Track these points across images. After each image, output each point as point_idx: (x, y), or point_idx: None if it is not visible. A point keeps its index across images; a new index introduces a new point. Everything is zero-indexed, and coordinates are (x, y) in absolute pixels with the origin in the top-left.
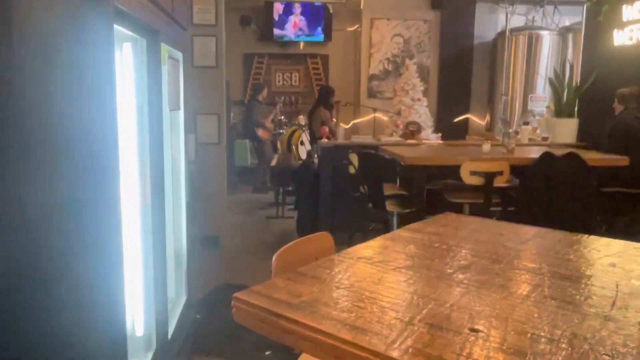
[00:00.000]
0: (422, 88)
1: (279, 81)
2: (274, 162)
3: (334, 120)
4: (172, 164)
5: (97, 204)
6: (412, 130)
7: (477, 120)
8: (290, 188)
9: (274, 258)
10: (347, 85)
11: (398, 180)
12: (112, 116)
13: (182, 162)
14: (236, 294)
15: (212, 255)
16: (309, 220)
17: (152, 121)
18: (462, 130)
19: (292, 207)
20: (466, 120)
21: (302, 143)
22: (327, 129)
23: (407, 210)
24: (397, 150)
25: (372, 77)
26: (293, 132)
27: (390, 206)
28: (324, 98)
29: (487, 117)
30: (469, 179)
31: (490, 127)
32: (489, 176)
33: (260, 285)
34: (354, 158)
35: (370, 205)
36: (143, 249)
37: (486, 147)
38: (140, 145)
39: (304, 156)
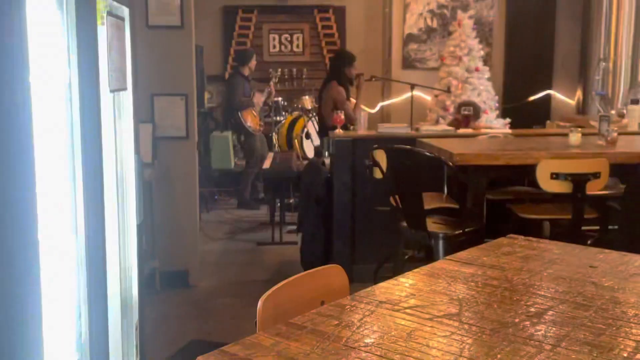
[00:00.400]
0: (482, 54)
1: (273, 46)
2: (267, 164)
3: (353, 102)
4: (117, 169)
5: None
6: (466, 115)
7: (562, 98)
8: (291, 200)
9: (259, 303)
10: (372, 51)
11: (445, 188)
12: (24, 102)
13: (130, 165)
14: (200, 358)
15: (178, 299)
16: (317, 248)
17: (84, 108)
18: (540, 113)
19: (295, 228)
20: (547, 98)
21: (307, 136)
22: (342, 115)
23: (457, 232)
24: (445, 144)
25: (408, 39)
26: (295, 120)
27: (433, 225)
28: (339, 70)
29: (578, 94)
30: (549, 185)
31: (582, 109)
32: (580, 180)
33: (236, 345)
34: (381, 157)
35: (404, 224)
36: (72, 295)
37: (575, 137)
38: (69, 144)
39: (310, 154)
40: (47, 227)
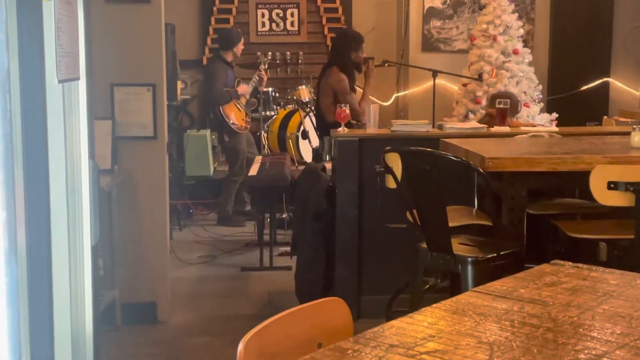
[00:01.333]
0: (521, 32)
1: (262, 24)
2: (255, 170)
3: (360, 92)
4: (68, 176)
5: None
6: (502, 109)
7: (624, 87)
8: (284, 216)
9: (240, 346)
10: (384, 30)
11: (475, 200)
12: None
13: (84, 172)
14: None
15: (143, 337)
16: (316, 274)
17: (26, 102)
18: (595, 106)
19: (288, 250)
20: (603, 88)
21: (304, 135)
22: (346, 110)
23: (490, 255)
24: (475, 146)
25: (430, 15)
26: (289, 116)
27: (460, 247)
28: (342, 53)
29: None
30: (606, 197)
31: None
32: None
33: None
34: (394, 161)
35: (423, 245)
36: (9, 331)
37: (639, 137)
38: (6, 146)
39: (307, 158)
40: None
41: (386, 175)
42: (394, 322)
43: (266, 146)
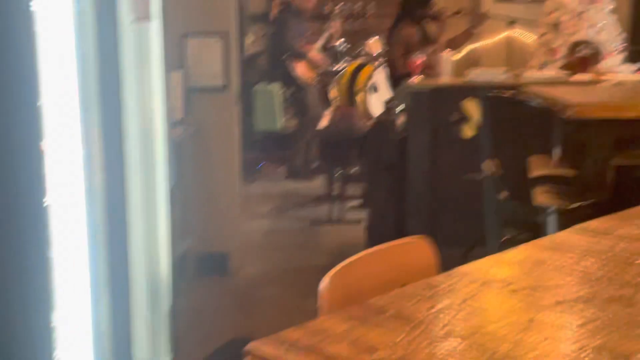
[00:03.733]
0: None
1: None
2: (324, 123)
3: (434, 45)
4: (140, 126)
5: None
6: (583, 57)
7: None
8: (355, 169)
9: (325, 280)
10: None
11: (558, 150)
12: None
13: (158, 123)
14: (251, 345)
15: (215, 288)
16: (389, 227)
17: (102, 42)
18: None
19: (359, 203)
20: None
21: (374, 88)
22: (419, 60)
23: (574, 205)
24: (557, 92)
25: None
26: (358, 68)
27: (542, 197)
28: (413, 3)
29: None
30: None
31: None
32: None
33: (298, 329)
34: (471, 109)
35: (504, 196)
36: (90, 279)
37: None
38: (80, 86)
39: (378, 111)
40: (54, 189)
41: (463, 124)
42: (485, 260)
43: (335, 99)
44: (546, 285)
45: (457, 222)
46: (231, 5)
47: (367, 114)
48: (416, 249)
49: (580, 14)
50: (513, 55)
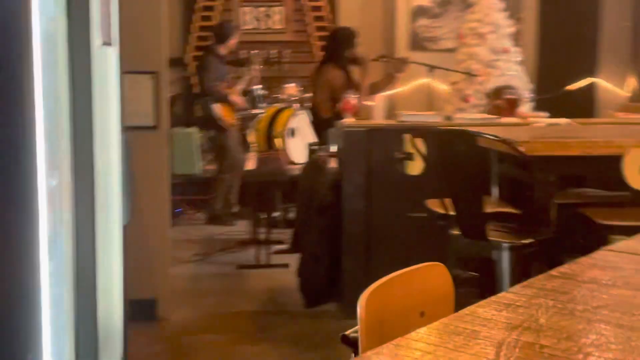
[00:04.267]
0: (510, 30)
1: (248, 22)
2: (250, 166)
3: (358, 89)
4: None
5: None
6: (512, 100)
7: (611, 88)
8: (276, 214)
9: (362, 301)
10: (371, 28)
11: (500, 188)
12: None
13: (115, 149)
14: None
15: (146, 335)
16: (322, 270)
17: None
18: (582, 106)
19: (285, 247)
20: (590, 88)
21: (292, 133)
22: (352, 100)
23: (526, 242)
24: (497, 133)
25: (417, 13)
26: (277, 113)
27: (493, 234)
28: (337, 50)
29: (632, 83)
30: None
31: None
32: None
33: None
34: (417, 147)
35: (455, 232)
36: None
37: None
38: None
39: (298, 155)
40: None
41: (404, 162)
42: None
43: (254, 145)
44: None
45: (393, 263)
46: (159, 42)
47: (287, 161)
48: (433, 275)
49: (490, 64)
50: (428, 101)
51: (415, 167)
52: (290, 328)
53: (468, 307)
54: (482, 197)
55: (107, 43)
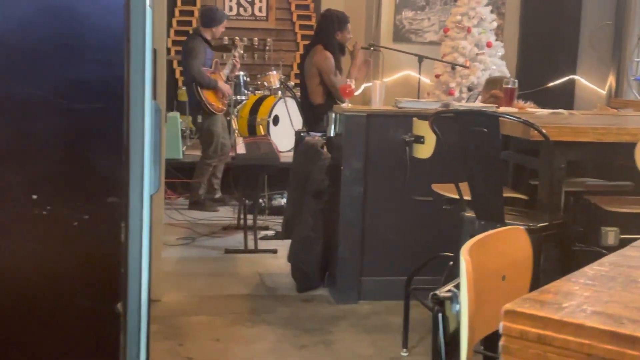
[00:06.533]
0: (494, 25)
1: (230, 9)
2: (239, 151)
3: (349, 75)
4: None
5: None
6: (510, 89)
7: (589, 85)
8: (262, 201)
9: (465, 255)
10: (354, 19)
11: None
12: None
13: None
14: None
15: None
16: (315, 255)
17: None
18: (561, 103)
19: (269, 234)
20: (569, 85)
21: (275, 121)
22: (351, 85)
23: (542, 225)
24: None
25: (402, 5)
26: (260, 100)
27: (508, 217)
28: (327, 32)
29: (610, 81)
30: None
31: (616, 96)
32: None
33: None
34: (424, 131)
35: (467, 214)
36: None
37: None
38: None
39: (278, 144)
40: None
41: (415, 145)
42: None
43: (236, 131)
44: None
45: (386, 249)
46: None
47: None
48: (514, 239)
49: (474, 57)
50: (410, 94)
51: (425, 150)
52: (284, 311)
53: None
54: (501, 179)
55: None
